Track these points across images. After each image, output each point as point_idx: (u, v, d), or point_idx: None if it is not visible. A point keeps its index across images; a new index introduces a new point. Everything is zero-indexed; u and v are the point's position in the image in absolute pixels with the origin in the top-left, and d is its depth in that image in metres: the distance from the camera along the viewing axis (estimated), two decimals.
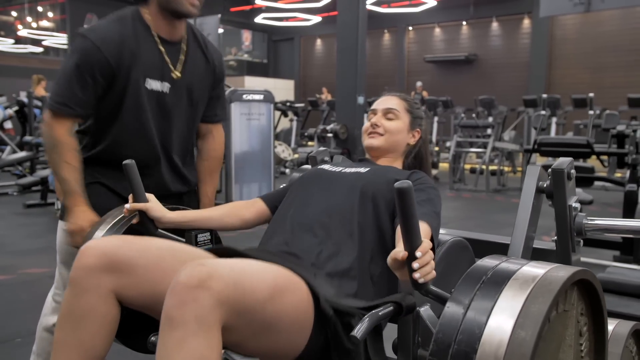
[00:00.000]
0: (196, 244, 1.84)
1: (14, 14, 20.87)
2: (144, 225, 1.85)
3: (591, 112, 10.68)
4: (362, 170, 1.83)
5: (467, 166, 10.64)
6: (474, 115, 12.15)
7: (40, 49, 20.47)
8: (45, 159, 10.50)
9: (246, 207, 1.99)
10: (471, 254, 1.79)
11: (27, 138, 9.46)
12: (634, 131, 5.56)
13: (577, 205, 1.78)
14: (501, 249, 1.84)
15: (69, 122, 1.95)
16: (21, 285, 4.26)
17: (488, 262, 1.17)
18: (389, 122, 1.96)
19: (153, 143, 2.08)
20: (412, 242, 1.15)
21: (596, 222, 1.78)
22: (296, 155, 10.28)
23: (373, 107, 2.03)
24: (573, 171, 1.76)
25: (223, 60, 2.31)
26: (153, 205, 1.84)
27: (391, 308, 1.29)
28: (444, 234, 1.83)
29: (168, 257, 1.51)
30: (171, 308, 1.23)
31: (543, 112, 9.56)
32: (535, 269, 1.11)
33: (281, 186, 2.05)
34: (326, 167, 1.94)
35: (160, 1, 1.97)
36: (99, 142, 2.06)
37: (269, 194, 2.05)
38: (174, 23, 2.02)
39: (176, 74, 2.04)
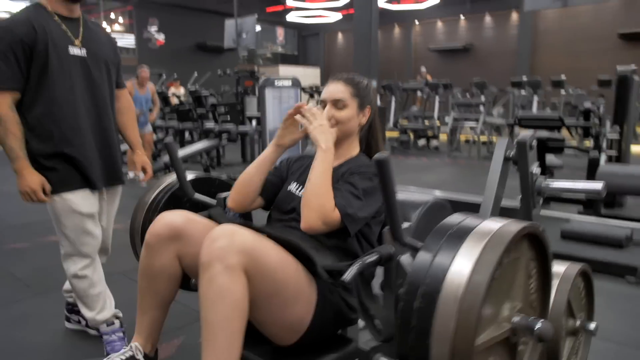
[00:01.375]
0: (225, 206, 1.86)
1: (93, 20, 21.08)
2: (182, 190, 1.91)
3: (563, 91, 10.52)
4: None
5: (463, 137, 10.55)
6: (467, 95, 11.97)
7: None
8: None
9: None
10: (450, 212, 1.79)
11: None
12: (598, 108, 5.45)
13: (537, 170, 1.77)
14: (476, 208, 1.84)
15: (8, 98, 1.97)
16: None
17: (455, 218, 1.18)
18: (339, 113, 1.69)
19: (84, 104, 2.14)
20: (392, 211, 1.17)
21: (552, 184, 1.78)
22: None
23: (322, 96, 1.73)
24: (534, 143, 1.75)
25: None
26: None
27: (376, 257, 1.31)
28: (426, 194, 1.83)
29: None
30: (202, 255, 1.30)
31: (524, 92, 9.38)
32: (492, 224, 1.12)
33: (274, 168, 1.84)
34: (293, 188, 1.74)
35: None
36: (36, 109, 2.05)
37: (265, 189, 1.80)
38: (68, 5, 2.12)
39: (77, 42, 2.12)
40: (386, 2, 16.96)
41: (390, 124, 10.92)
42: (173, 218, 1.58)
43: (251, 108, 9.95)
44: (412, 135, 10.88)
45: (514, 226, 1.10)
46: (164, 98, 9.30)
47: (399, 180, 1.75)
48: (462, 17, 20.43)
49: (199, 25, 20.30)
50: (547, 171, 5.21)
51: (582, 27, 17.13)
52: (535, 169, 1.76)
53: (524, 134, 1.74)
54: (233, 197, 1.76)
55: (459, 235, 1.10)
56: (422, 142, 11.02)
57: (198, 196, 1.92)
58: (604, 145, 4.99)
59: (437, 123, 11.10)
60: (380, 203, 1.59)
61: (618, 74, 5.11)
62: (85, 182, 2.14)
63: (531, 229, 1.14)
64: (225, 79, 13.66)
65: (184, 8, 19.80)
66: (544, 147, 4.88)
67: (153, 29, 18.96)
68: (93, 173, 2.15)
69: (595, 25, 16.87)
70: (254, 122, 8.26)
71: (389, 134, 11.20)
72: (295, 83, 7.84)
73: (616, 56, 16.28)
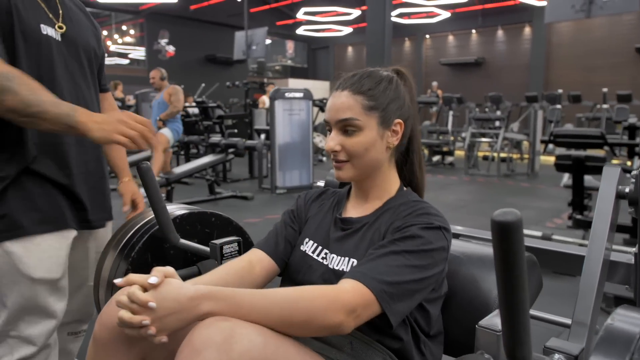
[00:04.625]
0: (222, 257, 1.31)
1: (105, 32, 20.91)
2: (163, 234, 1.36)
3: (605, 105, 9.88)
4: (345, 266, 1.08)
5: (480, 154, 10.01)
6: (486, 109, 11.45)
7: (126, 61, 20.50)
8: None
9: (252, 267, 1.15)
10: (539, 271, 1.25)
11: None
12: None
13: None
14: (572, 262, 1.30)
15: None
16: None
17: (622, 326, 0.64)
18: (350, 141, 1.09)
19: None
20: (516, 316, 0.63)
21: None
22: None
23: (326, 116, 1.14)
24: None
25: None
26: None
27: None
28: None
29: None
30: None
31: (559, 106, 8.81)
32: None
33: (276, 227, 1.25)
34: (310, 251, 1.16)
35: None
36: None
37: (272, 247, 1.20)
38: None
39: (59, 24, 1.44)
40: (397, 16, 16.60)
41: None
42: None
43: (260, 121, 9.45)
44: (426, 151, 10.35)
45: None
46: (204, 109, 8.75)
47: None
48: (473, 31, 19.96)
49: (209, 37, 20.06)
50: (585, 194, 4.65)
51: (597, 41, 16.59)
52: None
53: None
54: None
55: None
56: (436, 158, 10.48)
57: (184, 243, 1.37)
58: None
59: (452, 138, 10.60)
60: (442, 267, 1.03)
61: None
62: (58, 221, 1.38)
63: None
64: (234, 91, 13.26)
65: (195, 20, 19.59)
66: (582, 167, 4.34)
67: (163, 41, 18.66)
68: (70, 208, 1.41)
69: (610, 39, 16.32)
70: (262, 136, 7.75)
71: None
72: (307, 95, 7.35)
73: (633, 71, 15.74)
